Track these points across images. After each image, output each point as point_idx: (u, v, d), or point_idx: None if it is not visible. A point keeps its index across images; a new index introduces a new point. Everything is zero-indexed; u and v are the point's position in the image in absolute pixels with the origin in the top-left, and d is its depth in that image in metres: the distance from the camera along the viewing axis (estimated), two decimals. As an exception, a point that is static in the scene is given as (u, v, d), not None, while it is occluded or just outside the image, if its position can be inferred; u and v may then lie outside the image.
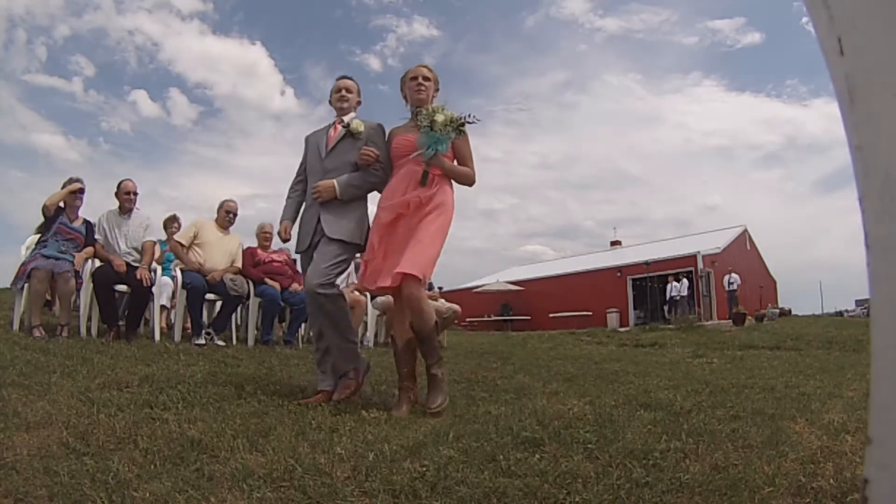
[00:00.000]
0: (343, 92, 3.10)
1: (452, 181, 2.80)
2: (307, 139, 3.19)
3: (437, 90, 2.90)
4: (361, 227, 2.95)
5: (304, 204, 3.10)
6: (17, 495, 1.31)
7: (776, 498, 1.46)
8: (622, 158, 52.31)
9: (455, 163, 2.81)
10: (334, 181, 2.90)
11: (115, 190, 5.06)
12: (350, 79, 3.18)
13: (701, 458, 1.78)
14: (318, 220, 2.91)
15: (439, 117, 2.66)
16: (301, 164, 3.19)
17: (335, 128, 3.06)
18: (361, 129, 2.97)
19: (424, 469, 1.59)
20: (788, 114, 47.92)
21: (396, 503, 1.39)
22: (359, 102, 3.17)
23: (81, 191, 4.87)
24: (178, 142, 51.20)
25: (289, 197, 3.16)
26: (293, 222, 3.11)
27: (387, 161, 2.92)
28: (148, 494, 1.35)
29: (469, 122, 2.74)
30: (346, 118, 3.06)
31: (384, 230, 2.72)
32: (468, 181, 2.85)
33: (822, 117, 44.34)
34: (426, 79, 2.84)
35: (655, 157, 52.92)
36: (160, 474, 1.51)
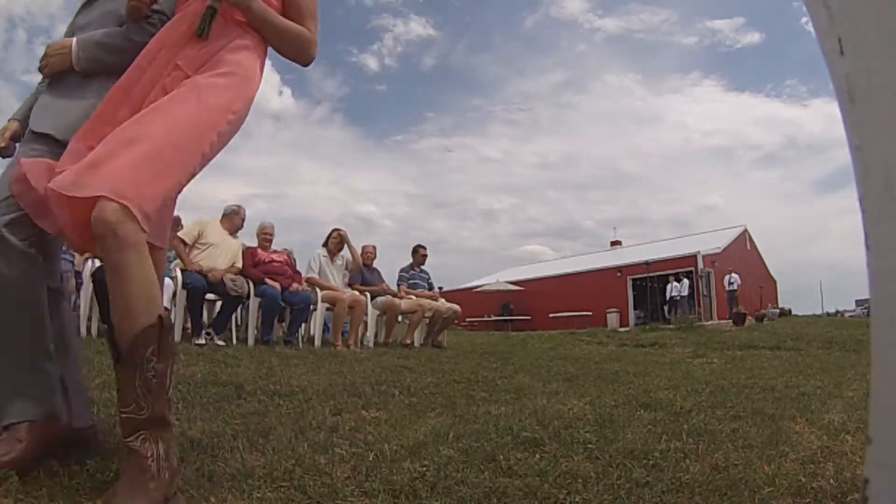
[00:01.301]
0: None
1: (267, 39, 1.62)
2: None
3: None
4: None
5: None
6: (17, 495, 1.31)
7: (776, 498, 1.46)
8: (622, 158, 52.44)
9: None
10: (72, 40, 1.68)
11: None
12: None
13: (701, 458, 1.78)
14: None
15: None
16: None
17: None
18: None
19: (424, 469, 1.59)
20: (788, 114, 48.02)
21: (397, 503, 1.39)
22: None
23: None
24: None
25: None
26: (22, 122, 1.77)
27: (171, 12, 1.68)
28: (148, 494, 1.35)
29: None
30: None
31: (120, 96, 1.47)
32: (297, 48, 1.65)
33: (822, 117, 44.43)
34: None
35: (655, 157, 53.06)
36: (160, 474, 1.50)
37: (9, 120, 1.84)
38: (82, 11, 1.83)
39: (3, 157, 1.79)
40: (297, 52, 1.67)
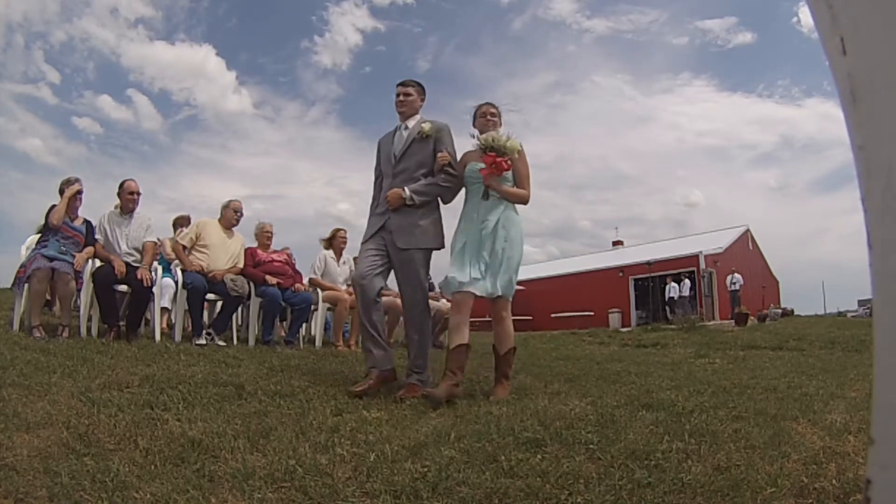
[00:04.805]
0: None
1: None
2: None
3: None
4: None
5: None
6: (17, 495, 1.31)
7: (778, 498, 1.46)
8: (615, 159, 52.33)
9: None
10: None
11: (116, 190, 5.07)
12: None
13: (703, 458, 1.77)
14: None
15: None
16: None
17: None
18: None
19: (426, 469, 1.59)
20: (782, 114, 47.86)
21: (398, 503, 1.39)
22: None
23: (80, 191, 4.86)
24: (175, 142, 51.26)
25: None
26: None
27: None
28: (148, 495, 1.35)
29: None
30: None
31: None
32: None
33: (817, 117, 44.33)
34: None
35: (649, 157, 52.93)
36: (161, 475, 1.51)
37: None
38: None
39: None
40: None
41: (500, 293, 3.08)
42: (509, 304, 3.22)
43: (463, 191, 3.29)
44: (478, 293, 3.02)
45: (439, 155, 3.19)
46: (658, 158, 52.18)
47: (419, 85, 3.39)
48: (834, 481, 1.56)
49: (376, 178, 3.44)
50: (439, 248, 3.27)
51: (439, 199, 3.31)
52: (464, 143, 3.34)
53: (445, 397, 2.73)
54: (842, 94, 0.58)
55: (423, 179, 3.21)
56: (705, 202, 48.51)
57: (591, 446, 1.87)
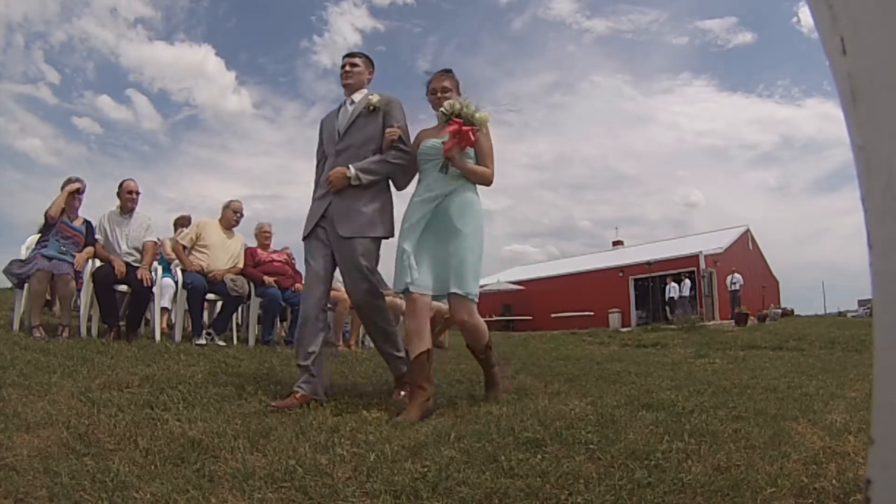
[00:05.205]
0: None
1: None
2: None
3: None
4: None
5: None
6: (17, 495, 1.31)
7: (779, 499, 1.46)
8: (615, 159, 52.33)
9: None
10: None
11: (116, 190, 5.07)
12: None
13: (703, 458, 1.77)
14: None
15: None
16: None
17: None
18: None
19: (426, 470, 1.59)
20: (782, 114, 47.88)
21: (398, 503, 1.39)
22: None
23: (80, 190, 4.87)
24: (174, 142, 51.29)
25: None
26: None
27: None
28: (148, 495, 1.35)
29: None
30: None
31: None
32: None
33: (817, 117, 44.34)
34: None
35: (649, 157, 52.97)
36: (161, 475, 1.51)
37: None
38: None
39: None
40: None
41: (459, 291, 2.61)
42: (472, 305, 2.67)
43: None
44: (433, 293, 2.66)
45: (389, 129, 2.79)
46: (658, 158, 52.25)
47: (367, 57, 3.02)
48: (834, 481, 1.56)
49: (318, 162, 3.02)
50: (387, 237, 2.85)
51: (391, 182, 2.92)
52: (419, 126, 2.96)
53: (420, 418, 2.37)
54: (842, 94, 0.58)
55: (370, 157, 2.81)
56: (705, 202, 48.58)
57: (591, 446, 1.87)
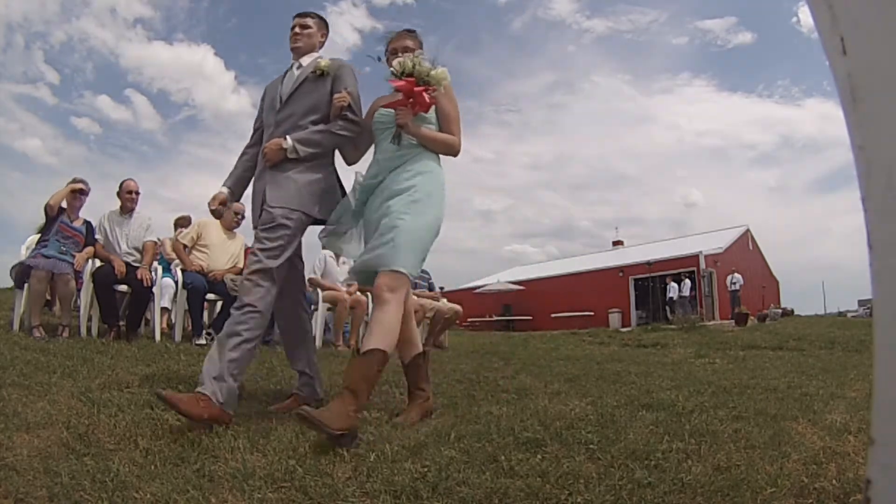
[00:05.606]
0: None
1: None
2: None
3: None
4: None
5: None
6: (17, 495, 1.31)
7: (779, 499, 1.46)
8: (615, 159, 52.53)
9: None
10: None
11: (116, 190, 5.08)
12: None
13: (703, 458, 1.77)
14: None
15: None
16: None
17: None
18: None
19: (426, 469, 1.59)
20: (782, 114, 47.99)
21: (397, 504, 1.39)
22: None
23: (83, 192, 4.87)
24: (174, 142, 51.33)
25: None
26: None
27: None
28: (148, 495, 1.35)
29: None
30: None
31: None
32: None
33: (817, 117, 44.40)
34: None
35: (649, 157, 53.10)
36: (161, 475, 1.51)
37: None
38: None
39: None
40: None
41: (384, 265, 2.11)
42: (399, 279, 2.11)
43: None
44: (358, 269, 2.30)
45: (337, 95, 2.43)
46: (658, 158, 52.35)
47: (321, 18, 2.66)
48: (834, 481, 1.56)
49: (254, 131, 2.68)
50: (320, 220, 2.44)
51: (338, 155, 2.58)
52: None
53: (419, 419, 2.27)
54: (842, 94, 0.58)
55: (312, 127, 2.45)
56: (705, 202, 48.66)
57: (591, 446, 1.87)
